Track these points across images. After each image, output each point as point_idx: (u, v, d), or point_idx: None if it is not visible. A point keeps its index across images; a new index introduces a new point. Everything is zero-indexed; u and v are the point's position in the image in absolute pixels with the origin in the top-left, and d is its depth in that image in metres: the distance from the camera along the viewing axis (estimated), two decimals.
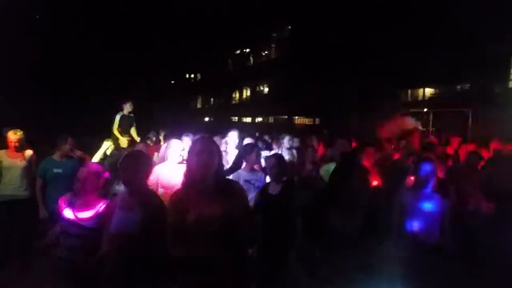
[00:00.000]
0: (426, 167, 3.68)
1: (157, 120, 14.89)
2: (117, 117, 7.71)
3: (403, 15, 17.95)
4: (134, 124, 7.97)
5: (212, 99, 41.55)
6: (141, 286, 2.61)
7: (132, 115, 7.93)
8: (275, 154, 4.72)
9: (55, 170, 4.85)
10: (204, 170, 2.29)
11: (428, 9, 16.71)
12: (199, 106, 44.07)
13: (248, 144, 5.03)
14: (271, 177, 4.13)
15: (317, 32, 22.99)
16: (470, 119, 15.14)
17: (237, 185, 2.61)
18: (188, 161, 2.39)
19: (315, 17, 23.21)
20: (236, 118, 33.59)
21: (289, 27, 28.50)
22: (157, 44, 31.50)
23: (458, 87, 18.75)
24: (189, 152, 2.40)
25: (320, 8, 22.59)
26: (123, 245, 2.62)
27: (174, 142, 4.43)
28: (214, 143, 2.47)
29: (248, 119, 33.03)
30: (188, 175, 2.37)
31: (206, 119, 37.27)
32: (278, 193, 3.95)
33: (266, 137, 8.82)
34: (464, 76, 17.10)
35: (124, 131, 7.64)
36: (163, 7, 31.36)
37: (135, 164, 2.75)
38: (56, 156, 4.98)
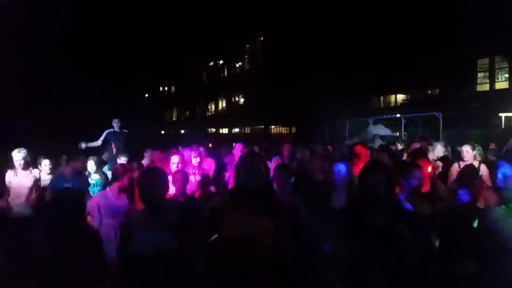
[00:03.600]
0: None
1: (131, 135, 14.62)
2: (104, 134, 7.37)
3: (373, 25, 18.47)
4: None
5: (187, 111, 41.28)
6: None
7: (124, 130, 7.57)
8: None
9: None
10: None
11: (399, 19, 17.26)
12: (174, 118, 43.67)
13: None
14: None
15: (289, 42, 23.32)
16: (441, 122, 15.60)
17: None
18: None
19: (287, 28, 23.57)
20: (213, 129, 33.47)
21: (261, 38, 28.79)
22: (130, 58, 31.18)
23: (429, 92, 19.35)
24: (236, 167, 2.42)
25: (291, 19, 22.97)
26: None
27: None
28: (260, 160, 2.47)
29: (224, 130, 32.97)
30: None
31: (182, 131, 36.96)
32: None
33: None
34: (433, 81, 17.68)
35: (120, 149, 6.93)
36: (137, 21, 31.18)
37: (153, 180, 2.65)
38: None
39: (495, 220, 2.65)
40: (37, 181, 4.99)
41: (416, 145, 6.23)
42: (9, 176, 4.83)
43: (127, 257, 2.61)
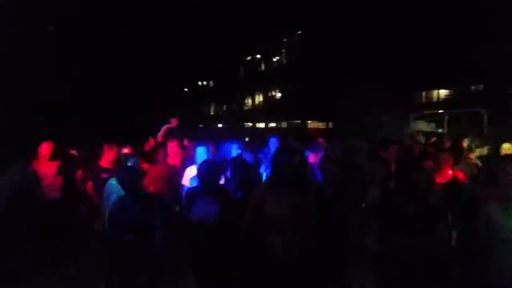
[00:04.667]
0: None
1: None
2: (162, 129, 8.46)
3: (415, 17, 18.05)
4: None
5: (224, 105, 41.93)
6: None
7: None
8: None
9: None
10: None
11: (442, 11, 16.80)
12: (212, 113, 44.49)
13: None
14: None
15: (326, 36, 23.16)
16: (486, 120, 15.11)
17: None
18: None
19: (325, 22, 23.40)
20: (250, 124, 33.86)
21: (299, 32, 28.72)
22: (169, 53, 32.01)
23: (473, 87, 18.73)
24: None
25: (329, 12, 22.78)
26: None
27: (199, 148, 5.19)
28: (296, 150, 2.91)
29: (261, 125, 33.27)
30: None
31: (220, 125, 37.64)
32: None
33: None
34: (478, 77, 17.10)
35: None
36: (174, 15, 31.91)
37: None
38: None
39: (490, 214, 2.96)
40: (60, 169, 5.78)
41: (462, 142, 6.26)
42: (37, 165, 5.61)
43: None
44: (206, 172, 3.52)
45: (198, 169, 3.60)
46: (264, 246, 2.72)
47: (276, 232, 2.68)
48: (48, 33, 20.46)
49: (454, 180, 4.15)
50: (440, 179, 4.22)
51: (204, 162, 3.71)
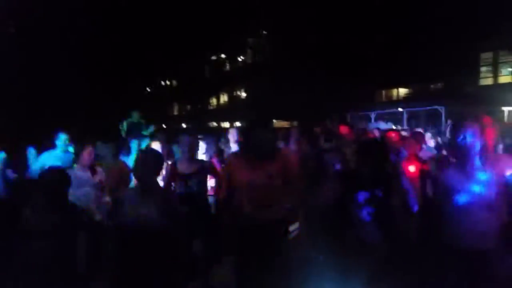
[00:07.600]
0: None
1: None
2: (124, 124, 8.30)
3: (375, 19, 18.32)
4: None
5: (189, 105, 41.25)
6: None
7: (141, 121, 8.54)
8: None
9: None
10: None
11: (400, 12, 17.12)
12: (175, 112, 43.66)
13: None
14: None
15: (292, 37, 23.19)
16: (444, 117, 15.49)
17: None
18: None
19: (290, 22, 23.43)
20: (215, 123, 33.43)
21: (264, 32, 28.67)
22: (131, 52, 31.09)
23: (432, 86, 19.22)
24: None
25: (294, 13, 22.82)
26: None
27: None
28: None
29: (226, 124, 32.90)
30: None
31: (184, 125, 36.95)
32: None
33: None
34: (436, 75, 17.54)
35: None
36: (138, 13, 31.05)
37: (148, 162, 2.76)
38: None
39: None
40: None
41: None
42: None
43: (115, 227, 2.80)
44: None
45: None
46: (238, 213, 2.82)
47: (249, 200, 2.77)
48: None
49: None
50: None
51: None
